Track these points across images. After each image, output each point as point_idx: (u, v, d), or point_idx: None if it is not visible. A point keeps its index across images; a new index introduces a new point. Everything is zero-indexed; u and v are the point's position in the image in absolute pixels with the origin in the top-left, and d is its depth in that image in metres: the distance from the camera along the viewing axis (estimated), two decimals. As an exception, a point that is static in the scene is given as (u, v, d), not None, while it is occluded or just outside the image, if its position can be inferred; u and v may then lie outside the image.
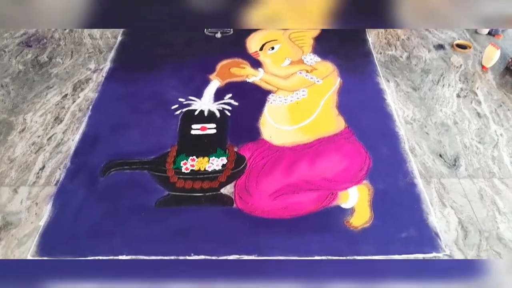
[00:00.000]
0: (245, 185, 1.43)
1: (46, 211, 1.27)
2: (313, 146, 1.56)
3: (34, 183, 1.36)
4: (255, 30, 2.19)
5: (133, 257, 1.20)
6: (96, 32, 2.19)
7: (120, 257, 1.20)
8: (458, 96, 1.74)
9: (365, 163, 1.48)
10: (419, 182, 1.40)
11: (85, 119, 1.61)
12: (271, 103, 1.75)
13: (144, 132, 1.62)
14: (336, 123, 1.65)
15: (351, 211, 1.35)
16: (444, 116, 1.64)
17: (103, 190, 1.39)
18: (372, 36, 2.18)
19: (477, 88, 1.76)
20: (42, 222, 1.25)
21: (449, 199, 1.35)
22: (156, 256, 1.21)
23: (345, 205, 1.37)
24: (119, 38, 2.12)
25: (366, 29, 2.22)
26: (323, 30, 2.20)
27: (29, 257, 1.17)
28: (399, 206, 1.35)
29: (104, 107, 1.72)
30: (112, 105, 1.73)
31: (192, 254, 1.21)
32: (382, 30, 2.24)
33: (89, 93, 1.76)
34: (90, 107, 1.69)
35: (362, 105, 1.73)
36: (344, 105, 1.73)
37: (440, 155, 1.48)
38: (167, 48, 2.07)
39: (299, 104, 1.75)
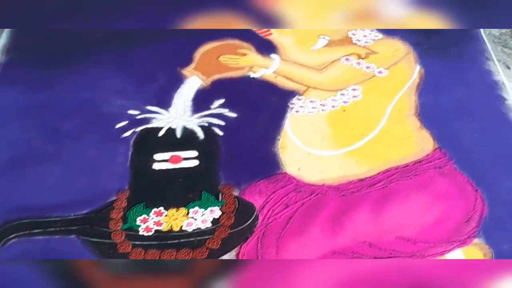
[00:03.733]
0: (258, 254, 1.51)
1: None
2: (378, 182, 1.66)
3: None
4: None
5: None
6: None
7: None
8: None
9: (475, 208, 1.59)
10: None
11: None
12: (296, 111, 1.85)
13: (67, 169, 1.69)
14: (417, 142, 1.75)
15: (453, 291, 1.46)
16: None
17: None
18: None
19: None
20: None
21: None
22: None
23: (442, 282, 1.50)
24: (16, 10, 2.23)
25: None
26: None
27: None
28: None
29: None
30: (9, 124, 1.81)
31: None
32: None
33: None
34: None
35: (462, 110, 1.83)
36: (431, 111, 1.82)
37: None
38: (104, 25, 2.11)
39: (348, 111, 1.85)
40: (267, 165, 1.72)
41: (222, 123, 1.83)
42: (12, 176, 1.71)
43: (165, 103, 1.89)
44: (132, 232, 1.57)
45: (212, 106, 1.87)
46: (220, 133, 1.80)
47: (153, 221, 1.59)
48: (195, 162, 1.73)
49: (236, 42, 2.11)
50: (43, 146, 1.78)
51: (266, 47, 2.09)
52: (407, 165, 1.70)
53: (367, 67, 1.99)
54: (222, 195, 1.65)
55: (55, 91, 1.94)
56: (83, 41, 2.13)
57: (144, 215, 1.60)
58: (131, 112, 1.86)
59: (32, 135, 1.81)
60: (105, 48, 2.10)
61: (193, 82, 1.97)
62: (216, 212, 1.61)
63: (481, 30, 2.13)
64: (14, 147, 1.78)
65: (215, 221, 1.58)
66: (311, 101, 1.89)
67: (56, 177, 1.70)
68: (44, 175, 1.70)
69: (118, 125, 1.82)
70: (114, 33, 2.16)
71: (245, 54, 2.06)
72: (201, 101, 1.90)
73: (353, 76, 1.97)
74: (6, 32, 2.14)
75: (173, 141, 1.78)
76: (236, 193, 1.65)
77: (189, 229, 1.57)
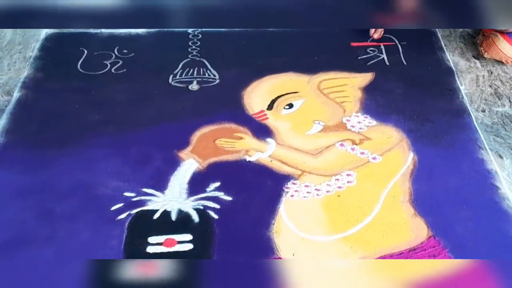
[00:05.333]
0: None
1: None
2: (372, 269, 1.63)
3: None
4: (257, 77, 2.33)
5: None
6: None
7: None
8: None
9: (469, 297, 1.52)
10: None
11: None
12: (291, 196, 1.83)
13: (61, 251, 1.66)
14: (411, 230, 1.71)
15: None
16: None
17: None
18: (467, 83, 2.33)
19: None
20: None
21: None
22: None
23: None
24: (16, 94, 2.25)
25: (456, 71, 2.36)
26: (378, 74, 2.34)
27: None
28: None
29: (-10, 211, 1.79)
30: (5, 206, 1.79)
31: None
32: (485, 73, 2.38)
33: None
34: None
35: (456, 198, 1.79)
36: (425, 199, 1.78)
37: None
38: (102, 110, 2.18)
39: (343, 197, 1.81)
40: (261, 249, 1.68)
41: (217, 206, 1.81)
42: (3, 258, 1.67)
43: (161, 186, 1.87)
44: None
45: (208, 189, 1.87)
46: (215, 216, 1.78)
47: (145, 308, 1.58)
48: (189, 246, 1.69)
49: (233, 125, 2.12)
50: (36, 228, 1.73)
51: (262, 131, 2.10)
52: (402, 253, 1.66)
53: (361, 153, 2.00)
54: (216, 280, 1.64)
55: (51, 172, 1.93)
56: (81, 123, 2.15)
57: (137, 300, 1.59)
58: (127, 194, 1.84)
59: (26, 217, 1.78)
60: (103, 130, 2.10)
61: (189, 164, 1.96)
62: (209, 298, 1.59)
63: (474, 119, 2.15)
64: (7, 229, 1.74)
65: (208, 308, 1.58)
66: (306, 186, 1.88)
67: (49, 260, 1.66)
68: (36, 257, 1.67)
69: (113, 207, 1.80)
70: (113, 116, 2.18)
71: (241, 138, 2.07)
72: (197, 184, 1.88)
73: (347, 162, 1.97)
74: (6, 114, 2.17)
75: (168, 224, 1.75)
76: (230, 278, 1.66)
77: (181, 318, 1.53)
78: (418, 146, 2.04)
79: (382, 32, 2.50)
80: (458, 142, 2.07)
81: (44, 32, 2.62)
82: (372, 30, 2.49)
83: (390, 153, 2.01)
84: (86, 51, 2.51)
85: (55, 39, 2.60)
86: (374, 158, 1.98)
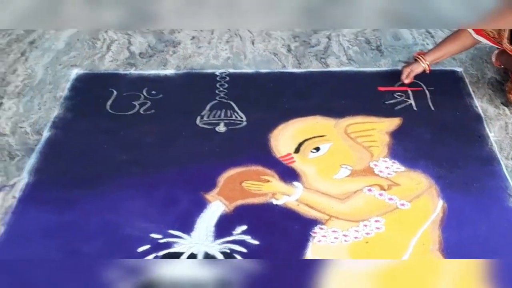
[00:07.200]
0: None
1: None
2: (402, 320, 1.58)
3: None
4: (284, 120, 2.33)
5: None
6: (5, 123, 2.32)
7: None
8: None
9: None
10: None
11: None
12: (319, 241, 1.80)
13: None
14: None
15: None
16: None
17: None
18: (497, 130, 2.30)
19: None
20: None
21: None
22: None
23: None
24: (46, 133, 2.25)
25: (485, 118, 2.34)
26: (405, 119, 2.34)
27: None
28: None
29: (18, 249, 1.78)
30: (32, 245, 1.79)
31: None
32: (514, 119, 2.33)
33: (-10, 226, 1.87)
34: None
35: (486, 248, 1.77)
36: (455, 248, 1.77)
37: None
38: (130, 150, 2.18)
39: (371, 244, 1.79)
40: (288, 294, 1.69)
41: (244, 250, 1.79)
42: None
43: (187, 228, 1.86)
44: None
45: (235, 232, 1.85)
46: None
47: None
48: (216, 290, 1.69)
49: (260, 168, 2.11)
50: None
51: (289, 175, 2.08)
52: (431, 302, 1.63)
53: (390, 199, 1.97)
54: (243, 324, 1.57)
55: (79, 212, 1.93)
56: (109, 163, 2.15)
57: None
58: (153, 235, 1.83)
59: (53, 256, 1.78)
60: (131, 171, 2.11)
61: (216, 207, 1.95)
62: None
63: (504, 167, 2.11)
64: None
65: None
66: (333, 231, 1.84)
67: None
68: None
69: (140, 249, 1.79)
70: (140, 157, 2.18)
71: (268, 181, 2.06)
72: (223, 227, 1.86)
73: (375, 207, 1.94)
74: (35, 153, 2.19)
75: (194, 267, 1.74)
76: (257, 321, 1.57)
77: None
78: (447, 193, 2.00)
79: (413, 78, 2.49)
80: (488, 190, 2.03)
81: (74, 72, 2.66)
82: (404, 75, 2.47)
83: (419, 199, 1.98)
84: (115, 92, 2.53)
85: (85, 80, 2.64)
86: (402, 205, 1.95)
